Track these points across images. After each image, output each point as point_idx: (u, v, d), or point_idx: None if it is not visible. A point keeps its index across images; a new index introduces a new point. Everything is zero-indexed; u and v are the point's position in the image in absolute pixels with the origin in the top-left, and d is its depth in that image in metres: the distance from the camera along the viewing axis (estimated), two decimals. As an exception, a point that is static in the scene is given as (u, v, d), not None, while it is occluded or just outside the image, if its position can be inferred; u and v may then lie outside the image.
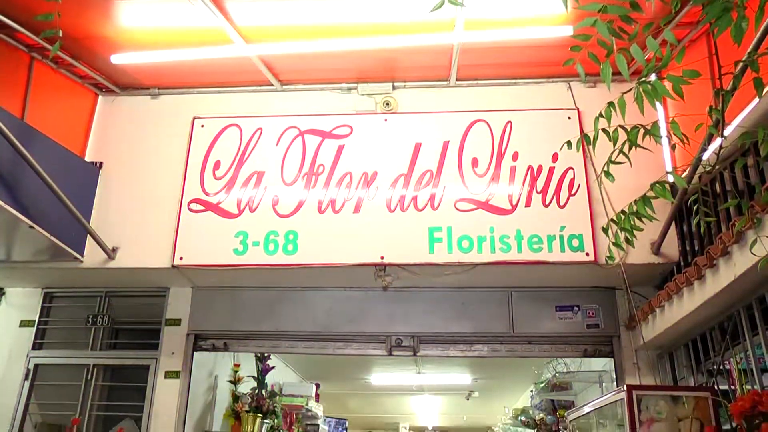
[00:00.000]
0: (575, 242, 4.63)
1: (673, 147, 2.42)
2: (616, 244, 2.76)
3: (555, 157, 4.87)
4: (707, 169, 3.03)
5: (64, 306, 5.61)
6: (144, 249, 4.99)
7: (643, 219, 2.48)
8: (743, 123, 3.07)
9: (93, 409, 5.26)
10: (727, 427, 3.56)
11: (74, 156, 5.08)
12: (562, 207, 4.76)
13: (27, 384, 5.27)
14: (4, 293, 5.57)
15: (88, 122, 5.46)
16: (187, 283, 5.30)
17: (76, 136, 5.32)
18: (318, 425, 8.57)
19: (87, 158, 5.30)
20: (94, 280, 5.34)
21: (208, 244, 4.90)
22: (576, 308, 5.08)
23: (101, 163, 5.29)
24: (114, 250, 4.99)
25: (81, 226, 4.78)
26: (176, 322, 5.31)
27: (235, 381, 6.01)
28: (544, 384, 6.69)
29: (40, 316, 5.49)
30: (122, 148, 5.35)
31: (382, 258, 4.75)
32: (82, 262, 4.96)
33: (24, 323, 5.47)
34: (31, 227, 4.29)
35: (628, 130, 2.25)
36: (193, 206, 5.01)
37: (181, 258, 4.89)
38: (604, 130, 2.30)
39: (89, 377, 5.29)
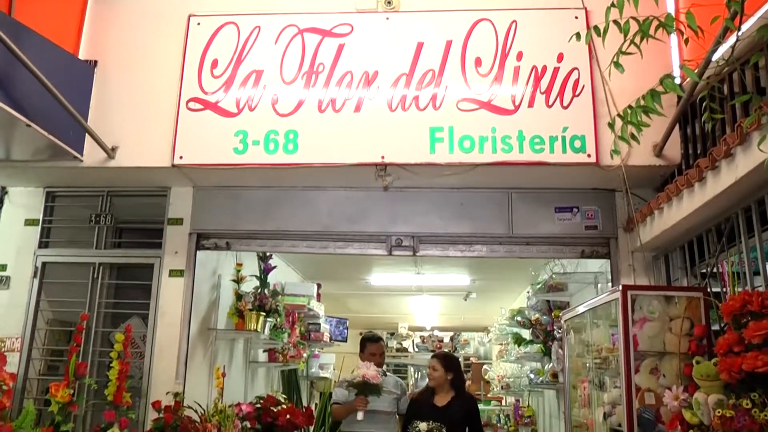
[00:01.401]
0: (577, 143, 4.60)
1: (686, 41, 2.34)
2: (621, 138, 2.73)
3: (560, 57, 4.76)
4: (720, 65, 2.95)
5: (67, 205, 5.64)
6: (143, 148, 4.96)
7: (650, 115, 2.45)
8: (766, 15, 2.95)
9: (101, 306, 5.39)
10: (716, 327, 3.66)
11: (68, 54, 4.95)
12: (565, 108, 4.70)
13: (36, 282, 5.38)
14: (6, 192, 5.60)
15: (80, 20, 5.26)
16: (187, 183, 5.31)
17: (67, 34, 5.14)
18: (319, 324, 8.83)
19: (80, 57, 5.17)
20: (94, 180, 5.35)
21: (208, 143, 4.87)
22: (575, 210, 5.11)
23: (96, 62, 5.17)
24: (113, 149, 4.96)
25: (79, 124, 4.73)
26: (178, 222, 5.36)
27: (238, 280, 6.14)
28: (540, 285, 6.83)
29: (43, 215, 5.53)
30: (117, 46, 5.22)
31: (382, 157, 4.73)
32: (82, 161, 4.95)
33: (29, 222, 5.52)
34: (28, 125, 4.25)
35: (641, 21, 2.18)
36: (192, 105, 4.94)
37: (180, 157, 4.87)
38: (615, 21, 2.23)
39: (95, 276, 5.39)
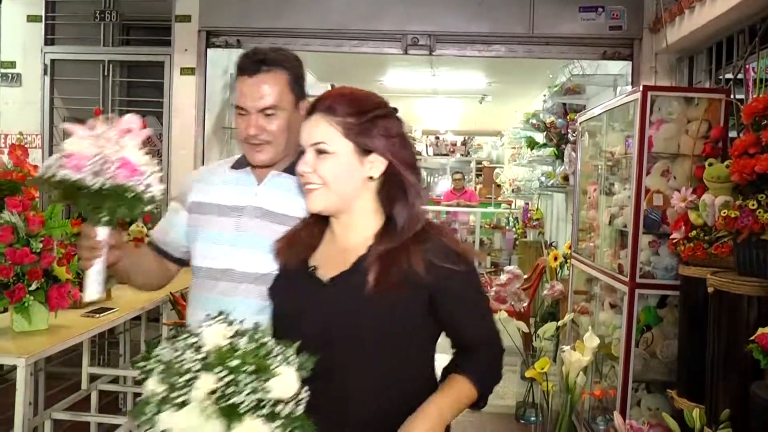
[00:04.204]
0: (610, -68, 4.27)
1: None
2: None
3: None
4: None
5: (69, 1, 5.44)
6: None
7: None
8: None
9: (115, 104, 5.41)
10: (733, 134, 3.61)
11: None
12: None
13: (47, 79, 5.35)
14: (1, -14, 5.38)
15: None
16: (193, -23, 5.07)
17: None
18: (333, 125, 8.84)
19: None
20: (93, -28, 5.11)
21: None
22: (600, 9, 4.88)
23: None
24: (110, -63, 4.67)
25: None
26: (186, 19, 5.18)
27: (251, 79, 6.03)
28: (557, 88, 6.68)
29: (45, 12, 5.35)
30: None
31: (398, -51, 4.44)
32: (76, -50, 4.68)
33: (31, 18, 5.35)
34: None
35: None
36: None
37: (182, -53, 4.59)
38: None
39: (106, 73, 5.35)
